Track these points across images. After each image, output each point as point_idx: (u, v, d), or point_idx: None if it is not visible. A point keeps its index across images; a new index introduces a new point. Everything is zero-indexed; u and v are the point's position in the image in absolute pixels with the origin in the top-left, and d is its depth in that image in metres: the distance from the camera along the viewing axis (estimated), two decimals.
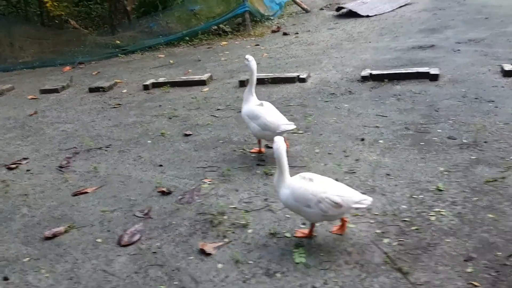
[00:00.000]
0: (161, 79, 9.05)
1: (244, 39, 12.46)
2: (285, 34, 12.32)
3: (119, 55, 12.19)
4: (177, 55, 11.55)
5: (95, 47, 12.63)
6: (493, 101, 6.25)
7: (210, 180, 5.01)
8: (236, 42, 12.15)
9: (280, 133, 4.82)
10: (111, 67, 11.18)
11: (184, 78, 8.94)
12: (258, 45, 11.53)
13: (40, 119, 7.85)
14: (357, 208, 3.57)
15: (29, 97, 9.27)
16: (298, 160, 5.24)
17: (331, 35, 11.58)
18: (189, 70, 9.82)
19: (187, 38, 12.67)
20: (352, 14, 13.44)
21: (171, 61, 10.89)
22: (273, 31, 12.93)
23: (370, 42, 10.36)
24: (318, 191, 3.44)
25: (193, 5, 13.08)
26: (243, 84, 8.17)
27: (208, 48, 11.93)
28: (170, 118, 7.09)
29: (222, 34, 12.95)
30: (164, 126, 6.81)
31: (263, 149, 5.48)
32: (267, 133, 5.00)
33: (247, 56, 5.23)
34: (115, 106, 8.09)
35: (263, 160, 5.33)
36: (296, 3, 15.42)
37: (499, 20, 10.76)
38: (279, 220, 4.12)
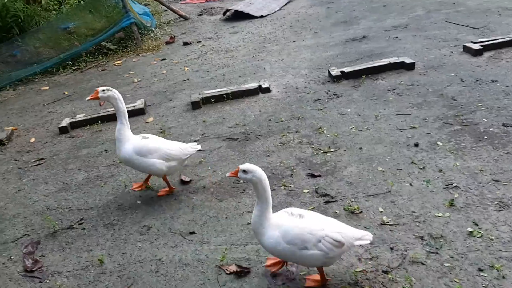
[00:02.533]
0: (79, 117, 6.97)
1: (140, 54, 10.68)
2: (186, 44, 10.89)
3: None
4: (66, 84, 9.28)
5: None
6: (496, 80, 5.99)
7: None
8: (134, 60, 10.32)
9: (185, 160, 4.56)
10: None
11: (111, 110, 7.00)
12: (165, 59, 9.94)
13: None
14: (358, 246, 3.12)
15: None
16: (377, 185, 4.16)
17: (241, 39, 10.56)
18: (103, 102, 7.82)
19: (69, 62, 10.34)
20: (240, 16, 12.61)
21: (66, 92, 8.66)
22: (168, 42, 11.38)
23: (294, 41, 9.64)
24: (316, 229, 2.92)
25: (65, 23, 10.75)
26: (197, 105, 6.69)
27: (102, 70, 9.88)
28: None
29: (108, 53, 10.91)
30: (138, 176, 5.04)
31: (173, 187, 4.67)
32: (173, 164, 4.42)
33: (102, 88, 4.39)
34: (38, 162, 5.88)
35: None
36: (173, 11, 13.99)
37: (399, 6, 11.00)
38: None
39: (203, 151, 5.16)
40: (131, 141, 4.45)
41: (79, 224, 4.39)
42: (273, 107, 6.38)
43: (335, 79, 6.89)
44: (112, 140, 6.19)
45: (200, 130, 6.04)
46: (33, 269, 3.83)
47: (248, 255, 3.59)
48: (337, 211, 3.93)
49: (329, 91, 6.60)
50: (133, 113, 6.89)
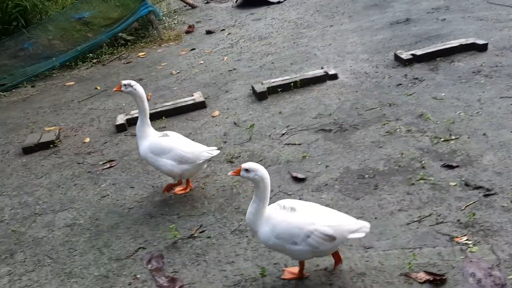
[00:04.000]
0: (134, 113, 6.36)
1: (162, 45, 10.02)
2: (209, 32, 10.30)
3: (0, 93, 8.53)
4: (93, 79, 8.59)
5: None
6: None
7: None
8: (159, 51, 9.68)
9: (202, 164, 4.18)
10: (3, 112, 7.69)
11: (169, 104, 6.43)
12: (194, 49, 9.35)
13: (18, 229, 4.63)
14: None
15: None
16: None
17: (269, 25, 10.05)
18: (150, 94, 7.25)
19: (89, 55, 9.60)
20: (254, 3, 12.06)
21: (98, 87, 7.99)
22: (188, 32, 10.77)
23: (331, 26, 9.21)
24: (305, 223, 2.85)
25: (80, 12, 9.96)
26: (263, 96, 6.25)
27: (128, 63, 9.21)
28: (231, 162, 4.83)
29: (127, 44, 10.20)
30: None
31: (191, 184, 4.48)
32: (186, 167, 4.11)
33: (125, 82, 4.15)
34: (110, 165, 5.29)
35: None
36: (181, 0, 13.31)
37: None
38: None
39: (217, 153, 4.33)
40: (149, 138, 4.20)
41: (200, 233, 3.88)
42: (352, 94, 5.96)
43: (407, 62, 6.52)
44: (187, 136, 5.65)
45: (282, 122, 5.57)
46: None
47: (431, 259, 3.18)
48: (504, 205, 3.57)
49: (406, 75, 6.23)
50: (194, 107, 6.35)
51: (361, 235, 2.91)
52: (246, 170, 2.95)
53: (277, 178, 4.42)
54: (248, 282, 3.27)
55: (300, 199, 4.06)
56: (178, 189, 4.47)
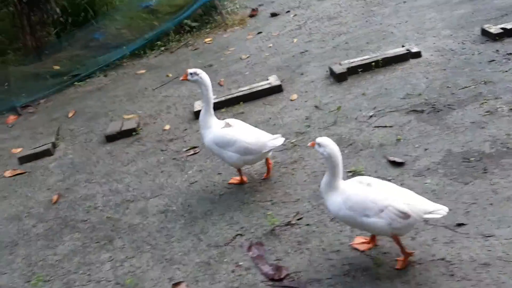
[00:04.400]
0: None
1: (227, 30, 9.93)
2: (274, 15, 10.08)
3: (75, 83, 8.76)
4: (162, 67, 8.65)
5: (27, 81, 8.94)
6: None
7: None
8: (225, 36, 9.60)
9: (266, 154, 4.11)
10: (81, 101, 7.87)
11: (244, 89, 6.32)
12: (261, 32, 9.19)
13: (91, 210, 4.71)
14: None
15: (6, 174, 5.80)
16: None
17: (337, 5, 9.66)
18: (222, 79, 7.18)
19: (159, 43, 9.68)
20: None
21: (169, 75, 8.02)
22: (252, 15, 10.60)
23: (404, 1, 8.72)
24: (379, 198, 2.86)
25: (146, 1, 10.04)
26: (343, 77, 5.98)
27: (195, 49, 9.19)
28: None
29: (192, 31, 10.18)
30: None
31: (245, 178, 4.41)
32: (250, 158, 4.07)
33: (191, 70, 4.08)
34: (193, 151, 5.28)
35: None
36: None
37: None
38: None
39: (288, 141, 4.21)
40: (213, 128, 4.15)
41: (298, 220, 3.75)
42: (440, 72, 5.61)
43: (497, 37, 6.05)
44: (260, 120, 5.55)
45: (367, 104, 5.32)
46: (280, 277, 3.21)
47: None
48: None
49: (497, 50, 5.79)
50: (271, 91, 6.22)
51: (437, 216, 2.85)
52: (318, 144, 3.00)
53: (373, 163, 4.22)
54: (358, 272, 3.12)
55: (401, 184, 3.83)
56: (232, 181, 4.45)
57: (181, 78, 4.28)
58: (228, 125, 4.17)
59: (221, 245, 3.69)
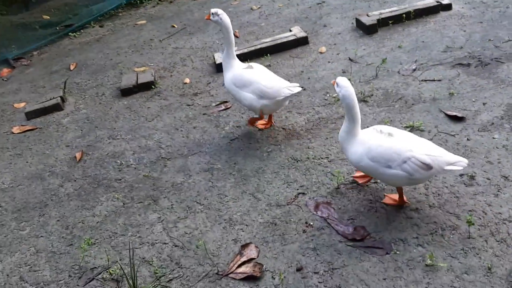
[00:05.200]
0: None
1: None
2: None
3: (69, 34, 8.11)
4: (165, 17, 8.10)
5: (17, 31, 8.24)
6: None
7: None
8: None
9: (282, 101, 3.98)
10: (81, 53, 7.31)
11: (268, 40, 5.94)
12: None
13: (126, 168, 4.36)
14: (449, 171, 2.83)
15: (15, 130, 5.33)
16: None
17: None
18: (237, 31, 6.76)
19: None
20: None
21: (175, 25, 7.51)
22: None
23: None
24: (403, 149, 2.81)
25: None
26: (373, 29, 5.74)
27: (196, 0, 8.62)
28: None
29: None
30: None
31: (273, 121, 4.34)
32: (265, 103, 3.93)
33: (213, 10, 3.98)
34: (224, 106, 4.93)
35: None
36: None
37: None
38: None
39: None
40: (233, 69, 4.08)
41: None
42: (477, 25, 5.39)
43: None
44: (292, 74, 5.23)
45: (406, 57, 5.08)
46: (362, 237, 3.01)
47: None
48: None
49: None
50: (297, 43, 5.88)
51: (458, 168, 2.82)
52: (337, 84, 2.98)
53: (430, 118, 4.01)
54: (447, 231, 2.94)
55: (467, 140, 3.66)
56: (259, 123, 4.33)
57: (206, 17, 4.17)
58: (250, 67, 4.07)
59: (283, 204, 3.45)
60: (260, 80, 3.92)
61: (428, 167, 2.78)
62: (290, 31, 6.11)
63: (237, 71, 4.06)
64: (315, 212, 3.31)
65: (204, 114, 4.87)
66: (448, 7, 5.93)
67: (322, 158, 3.84)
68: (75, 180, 4.24)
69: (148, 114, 5.10)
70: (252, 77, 3.96)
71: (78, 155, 4.55)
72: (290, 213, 3.36)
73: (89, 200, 3.94)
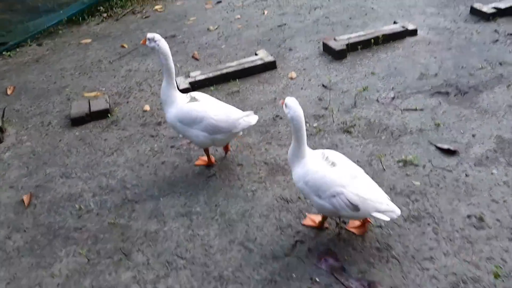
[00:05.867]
0: (197, 75, 5.47)
1: None
2: None
3: (4, 53, 7.28)
4: (112, 36, 7.51)
5: None
6: None
7: None
8: (178, 3, 8.62)
9: (238, 133, 3.66)
10: (19, 75, 6.50)
11: (233, 64, 5.59)
12: (220, 1, 8.36)
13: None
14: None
15: None
16: None
17: None
18: (196, 52, 6.35)
19: (101, 8, 8.43)
20: None
21: (125, 45, 6.96)
22: None
23: None
24: (336, 183, 2.74)
25: None
26: (342, 54, 5.53)
27: (145, 17, 8.12)
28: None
29: None
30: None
31: (213, 159, 4.01)
32: (219, 137, 3.60)
33: (150, 35, 3.60)
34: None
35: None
36: None
37: None
38: None
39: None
40: (176, 103, 3.64)
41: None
42: (447, 52, 5.36)
43: (491, 16, 5.95)
44: (264, 101, 4.90)
45: (382, 84, 4.91)
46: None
47: None
48: None
49: (496, 30, 5.69)
50: (264, 67, 5.54)
51: (385, 218, 2.70)
52: (285, 104, 2.88)
53: (421, 151, 3.81)
54: (469, 284, 2.68)
55: (466, 176, 3.48)
56: (201, 159, 4.03)
57: (141, 42, 3.72)
58: (194, 99, 3.64)
59: (281, 256, 3.05)
60: (211, 114, 3.54)
61: (355, 208, 2.69)
62: (256, 54, 5.77)
63: (182, 106, 3.61)
64: (319, 265, 2.93)
65: (171, 146, 4.38)
66: (413, 32, 5.87)
67: None
68: (25, 230, 3.58)
69: (106, 147, 4.51)
70: (201, 112, 3.55)
71: (26, 198, 3.89)
72: (290, 266, 2.97)
73: (45, 256, 3.31)
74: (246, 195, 3.63)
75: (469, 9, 6.32)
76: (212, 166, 3.96)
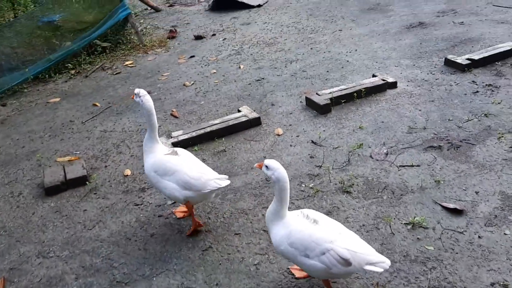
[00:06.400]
0: (179, 135, 5.24)
1: (149, 52, 8.80)
2: (198, 37, 9.25)
3: None
4: (82, 94, 7.21)
5: None
6: None
7: None
8: (149, 59, 8.45)
9: (209, 193, 3.53)
10: None
11: (217, 122, 5.40)
12: (194, 56, 8.28)
13: None
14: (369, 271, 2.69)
15: None
16: None
17: (267, 30, 9.24)
18: (175, 110, 6.15)
19: (69, 65, 8.14)
20: (227, 6, 11.23)
21: (97, 104, 6.68)
22: (171, 37, 9.62)
23: (340, 30, 8.63)
24: (323, 239, 2.68)
25: (50, 15, 8.39)
26: (327, 109, 5.46)
27: (116, 74, 7.89)
28: None
29: (105, 52, 8.80)
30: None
31: (200, 222, 3.82)
32: (189, 194, 3.51)
33: (136, 90, 3.68)
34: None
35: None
36: (144, 1, 12.01)
37: None
38: None
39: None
40: (155, 153, 3.67)
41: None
42: (430, 104, 5.39)
43: (466, 67, 6.08)
44: (254, 159, 4.69)
45: (372, 139, 4.82)
46: None
47: None
48: None
49: (474, 81, 5.80)
50: (249, 124, 5.37)
51: (378, 269, 2.65)
52: (267, 167, 2.81)
53: (427, 211, 3.66)
54: None
55: (479, 238, 3.34)
56: (179, 210, 3.97)
57: (131, 97, 3.88)
58: (174, 153, 3.66)
59: None
60: (186, 169, 3.50)
61: (347, 262, 2.62)
62: (239, 111, 5.61)
63: (159, 156, 3.62)
64: None
65: (159, 216, 4.05)
66: (394, 85, 5.90)
67: None
68: None
69: (86, 219, 4.14)
70: (176, 165, 3.53)
71: None
72: None
73: None
74: (249, 270, 3.34)
75: (443, 60, 6.45)
76: (200, 230, 3.76)
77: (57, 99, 7.06)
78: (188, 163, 3.57)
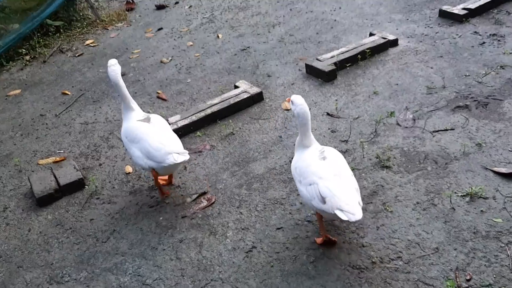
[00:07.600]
0: (177, 120, 4.69)
1: (109, 28, 7.97)
2: (160, 7, 8.50)
3: None
4: (46, 82, 6.40)
5: None
6: None
7: None
8: (112, 36, 7.64)
9: (169, 167, 3.43)
10: None
11: (216, 102, 4.88)
12: (162, 28, 7.57)
13: None
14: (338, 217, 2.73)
15: None
16: None
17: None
18: (160, 91, 5.54)
19: (22, 50, 7.21)
20: None
21: (67, 92, 5.94)
22: (129, 9, 8.79)
23: None
24: (314, 173, 2.86)
25: None
26: (333, 75, 5.06)
27: (79, 55, 7.07)
28: None
29: (60, 32, 7.89)
30: None
31: (167, 192, 3.81)
32: (152, 165, 3.46)
33: (110, 61, 3.59)
34: (207, 202, 3.72)
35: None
36: None
37: None
38: None
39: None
40: (129, 120, 3.61)
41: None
42: (440, 60, 5.09)
43: (464, 18, 5.81)
44: (268, 141, 4.25)
45: (392, 104, 4.49)
46: None
47: None
48: None
49: (476, 32, 5.54)
50: (252, 100, 4.89)
51: (344, 217, 2.67)
52: (292, 102, 2.96)
53: (479, 179, 3.40)
54: None
55: None
56: (160, 179, 3.84)
57: None
58: (147, 119, 3.56)
59: None
60: (149, 139, 3.40)
61: (322, 199, 2.74)
62: (236, 87, 5.09)
63: (131, 123, 3.56)
64: None
65: (183, 217, 3.56)
66: (395, 42, 5.55)
67: (393, 260, 2.90)
68: None
69: (97, 230, 3.58)
70: (143, 133, 3.46)
71: None
72: None
73: None
74: (307, 269, 2.97)
75: (435, 12, 6.15)
76: (165, 196, 3.71)
77: (18, 91, 6.22)
78: (154, 132, 3.43)
